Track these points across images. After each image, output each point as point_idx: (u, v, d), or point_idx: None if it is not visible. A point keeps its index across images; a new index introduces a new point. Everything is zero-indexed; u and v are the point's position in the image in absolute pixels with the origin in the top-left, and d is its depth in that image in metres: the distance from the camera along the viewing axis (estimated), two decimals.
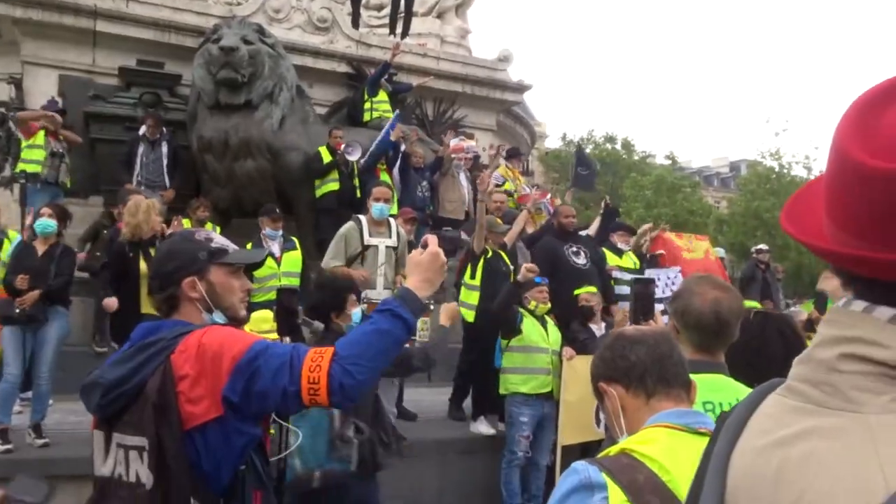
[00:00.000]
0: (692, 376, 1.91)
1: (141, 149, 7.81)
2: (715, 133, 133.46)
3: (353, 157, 7.98)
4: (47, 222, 5.34)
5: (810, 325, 6.91)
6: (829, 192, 0.73)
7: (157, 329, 1.84)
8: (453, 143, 8.67)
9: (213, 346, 1.71)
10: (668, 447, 1.32)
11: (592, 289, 5.58)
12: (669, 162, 39.08)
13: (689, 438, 1.34)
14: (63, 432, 5.37)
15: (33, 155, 7.49)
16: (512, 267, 6.00)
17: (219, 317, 1.90)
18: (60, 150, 7.62)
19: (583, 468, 1.30)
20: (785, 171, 32.08)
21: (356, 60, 9.76)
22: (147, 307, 5.54)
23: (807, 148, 68.26)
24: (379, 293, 5.28)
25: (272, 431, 2.39)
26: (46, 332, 5.28)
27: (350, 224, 5.56)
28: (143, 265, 5.39)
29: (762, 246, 10.92)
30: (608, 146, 37.99)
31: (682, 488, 1.22)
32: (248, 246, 6.57)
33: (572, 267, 6.15)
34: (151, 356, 1.75)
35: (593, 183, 10.97)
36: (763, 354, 2.21)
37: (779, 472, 0.70)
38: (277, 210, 6.68)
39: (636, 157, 38.29)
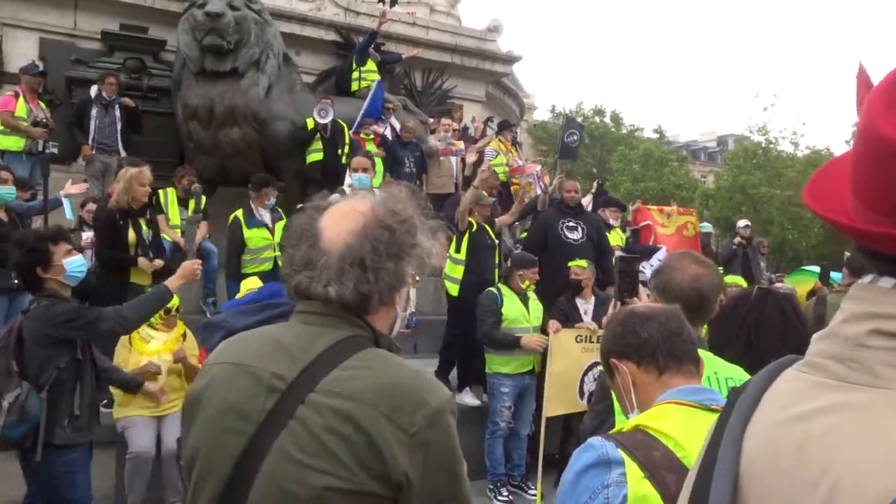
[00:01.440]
0: None
1: (94, 111, 7.62)
2: (703, 107, 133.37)
3: (325, 119, 7.88)
4: (11, 189, 5.24)
5: (811, 295, 6.97)
6: (856, 167, 0.72)
7: (281, 293, 2.12)
8: (435, 142, 8.71)
9: None
10: (682, 424, 1.33)
11: (583, 263, 5.60)
12: (657, 136, 39.12)
13: (701, 415, 1.35)
14: None
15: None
16: (497, 241, 6.05)
17: None
18: (43, 119, 7.49)
19: (599, 444, 1.31)
20: (772, 146, 32.21)
21: (344, 28, 9.63)
22: (135, 276, 5.51)
23: (794, 123, 68.64)
24: None
25: None
26: (24, 301, 5.23)
27: (335, 196, 5.53)
28: (132, 234, 5.34)
29: (743, 221, 11.02)
30: (597, 119, 37.92)
31: None
32: (240, 213, 6.60)
33: (563, 241, 6.18)
34: (275, 316, 2.05)
35: (577, 154, 11.00)
36: (761, 331, 2.24)
37: (801, 445, 0.69)
38: (272, 180, 6.74)
39: (624, 131, 38.30)
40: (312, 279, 1.25)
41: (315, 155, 7.94)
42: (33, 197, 6.69)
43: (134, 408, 4.55)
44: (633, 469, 1.25)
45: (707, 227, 11.47)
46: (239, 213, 6.63)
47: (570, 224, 6.39)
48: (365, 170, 5.51)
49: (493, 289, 5.33)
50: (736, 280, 6.54)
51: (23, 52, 8.21)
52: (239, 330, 1.98)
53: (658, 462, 1.25)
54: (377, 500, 1.13)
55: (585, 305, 5.53)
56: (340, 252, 1.24)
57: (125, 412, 4.57)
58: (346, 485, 1.11)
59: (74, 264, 3.33)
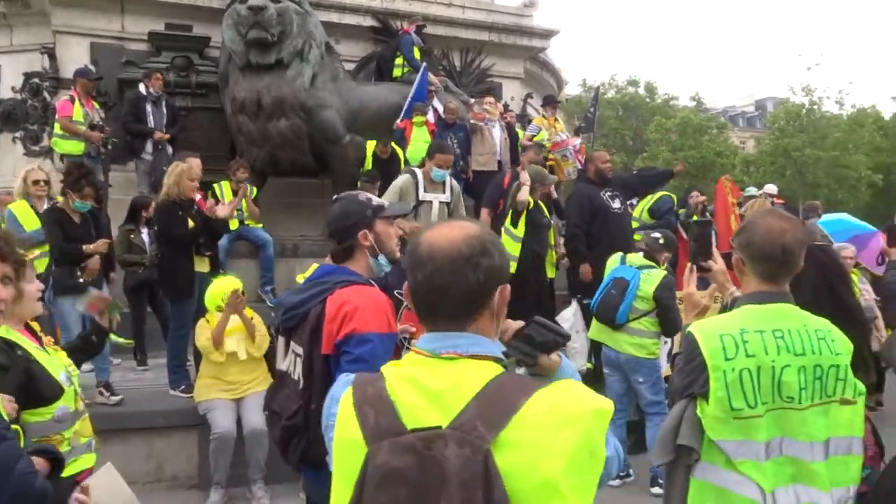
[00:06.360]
0: (761, 307, 2.00)
1: (148, 107, 7.87)
2: (739, 71, 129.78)
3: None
4: (86, 205, 5.36)
5: (883, 258, 6.89)
6: None
7: (330, 272, 2.42)
8: (476, 109, 8.74)
9: (348, 307, 2.25)
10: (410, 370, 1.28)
11: (638, 236, 5.64)
12: (694, 103, 38.41)
13: (430, 363, 1.26)
14: (128, 389, 5.63)
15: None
16: (550, 220, 6.16)
17: (382, 259, 2.42)
18: (100, 122, 7.73)
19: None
20: (815, 106, 31.38)
21: (381, 14, 9.69)
22: (199, 266, 5.73)
23: (839, 82, 66.52)
24: None
25: None
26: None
27: (406, 177, 5.64)
28: (191, 223, 5.54)
29: (769, 186, 10.86)
30: (631, 90, 37.42)
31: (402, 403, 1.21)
32: None
33: (610, 212, 6.24)
34: (319, 293, 2.34)
35: (592, 126, 11.33)
36: (800, 282, 2.29)
37: None
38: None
39: (659, 101, 37.71)
40: None
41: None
42: (99, 198, 6.92)
43: (214, 391, 4.77)
44: (347, 401, 1.27)
45: (752, 191, 11.26)
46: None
47: (609, 194, 6.45)
48: (448, 166, 5.71)
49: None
50: None
51: (76, 57, 8.47)
52: (290, 307, 2.41)
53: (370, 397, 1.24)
54: None
55: None
56: None
57: (206, 395, 4.79)
58: None
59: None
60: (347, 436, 1.22)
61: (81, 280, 5.27)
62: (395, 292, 2.78)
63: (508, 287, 1.33)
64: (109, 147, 6.81)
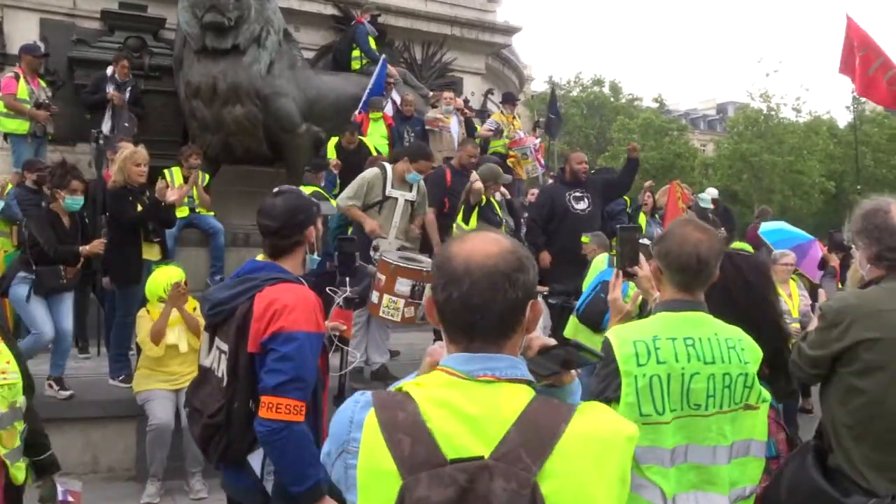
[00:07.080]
0: (675, 314, 2.05)
1: (109, 89, 7.69)
2: (702, 75, 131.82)
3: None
4: (79, 199, 5.23)
5: (823, 263, 7.13)
6: None
7: (259, 269, 2.38)
8: (428, 116, 8.69)
9: (277, 305, 2.23)
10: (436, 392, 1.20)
11: (585, 238, 5.70)
12: (657, 105, 38.90)
13: (463, 385, 1.19)
14: (67, 377, 5.49)
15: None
16: (502, 219, 6.20)
17: (316, 256, 2.46)
18: (46, 101, 7.51)
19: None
20: (773, 112, 32.07)
21: (342, 2, 9.61)
22: (147, 254, 5.63)
23: (796, 89, 68.16)
24: (390, 243, 5.39)
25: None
26: (67, 293, 5.29)
27: (375, 171, 5.59)
28: (139, 209, 5.44)
29: (710, 190, 10.92)
30: (596, 89, 37.72)
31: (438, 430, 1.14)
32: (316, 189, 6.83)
33: (570, 212, 6.32)
34: (247, 289, 2.30)
35: (557, 131, 11.35)
36: (726, 289, 2.35)
37: None
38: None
39: (623, 101, 38.10)
40: None
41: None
42: (41, 179, 6.72)
43: (154, 381, 4.70)
44: (372, 425, 1.16)
45: (704, 199, 10.87)
46: (316, 188, 6.79)
47: (577, 195, 6.54)
48: (425, 172, 5.71)
49: None
50: (743, 245, 6.72)
51: (24, 33, 8.21)
52: (217, 302, 2.37)
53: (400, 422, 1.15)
54: None
55: None
56: None
57: (145, 385, 4.71)
58: None
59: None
60: (377, 466, 1.14)
61: (64, 281, 5.16)
62: (327, 289, 2.77)
63: (541, 302, 1.28)
64: (101, 142, 6.67)
